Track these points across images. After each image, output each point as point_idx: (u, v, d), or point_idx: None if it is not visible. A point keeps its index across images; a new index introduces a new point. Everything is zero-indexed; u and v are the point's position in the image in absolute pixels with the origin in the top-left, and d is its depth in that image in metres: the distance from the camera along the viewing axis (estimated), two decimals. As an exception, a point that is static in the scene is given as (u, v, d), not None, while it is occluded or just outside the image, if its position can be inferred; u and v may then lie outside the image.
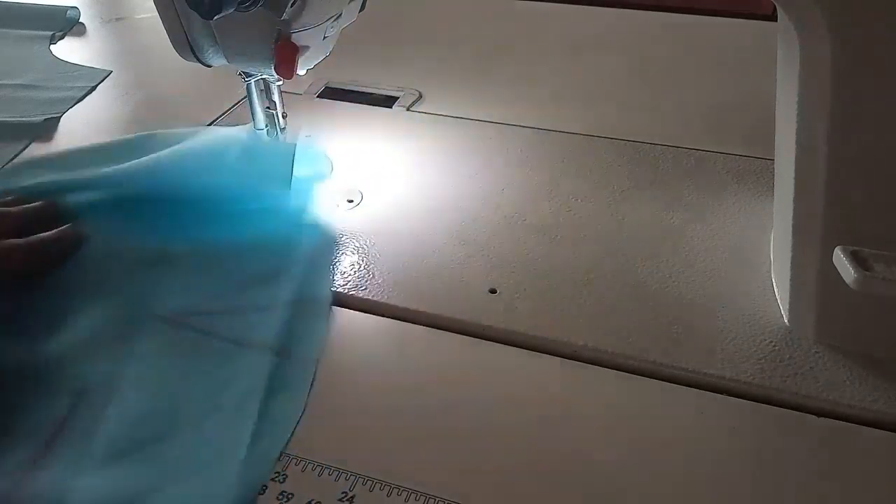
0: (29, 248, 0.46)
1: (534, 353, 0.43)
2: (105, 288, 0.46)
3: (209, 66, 0.52)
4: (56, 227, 0.48)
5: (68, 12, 0.85)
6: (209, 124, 0.65)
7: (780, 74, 0.43)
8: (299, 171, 0.52)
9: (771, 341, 0.43)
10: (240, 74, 0.54)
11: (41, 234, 0.47)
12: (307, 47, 0.49)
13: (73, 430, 0.38)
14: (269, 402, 0.40)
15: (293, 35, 0.47)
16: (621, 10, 0.88)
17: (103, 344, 0.43)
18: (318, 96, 0.70)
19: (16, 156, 0.61)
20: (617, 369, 0.42)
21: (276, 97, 0.55)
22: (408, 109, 0.68)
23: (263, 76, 0.54)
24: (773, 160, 0.47)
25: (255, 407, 0.39)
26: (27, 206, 0.49)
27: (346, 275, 0.48)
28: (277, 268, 0.47)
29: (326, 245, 0.51)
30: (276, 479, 0.35)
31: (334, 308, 0.46)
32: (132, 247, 0.49)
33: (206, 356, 0.43)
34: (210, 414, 0.39)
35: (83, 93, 0.70)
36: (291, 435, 0.38)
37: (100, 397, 0.40)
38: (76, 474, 0.36)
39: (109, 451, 0.37)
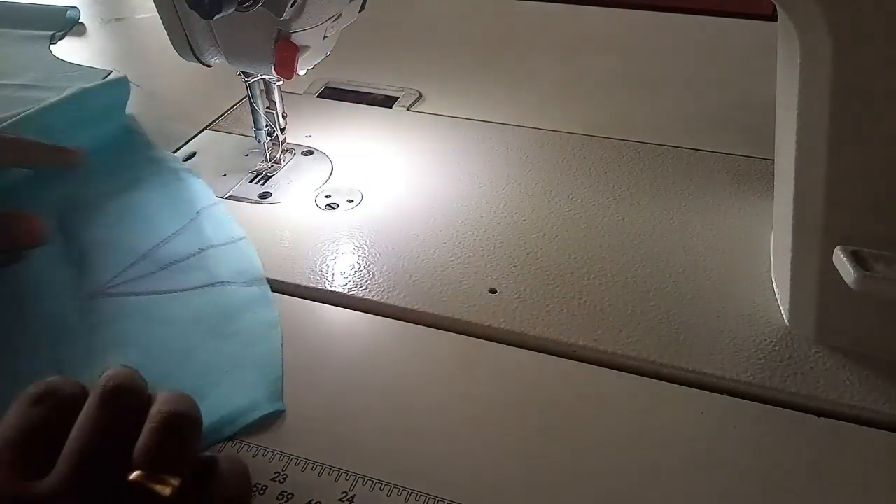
0: None
1: (534, 352, 0.43)
2: (24, 287, 0.47)
3: (209, 66, 0.52)
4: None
5: (68, 12, 0.85)
6: (209, 124, 0.65)
7: (780, 74, 0.43)
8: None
9: (771, 341, 0.43)
10: (240, 74, 0.54)
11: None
12: (307, 47, 0.49)
13: None
14: (244, 318, 0.44)
15: (293, 35, 0.47)
16: (620, 9, 0.88)
17: (52, 334, 0.43)
18: (318, 96, 0.70)
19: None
20: (617, 369, 0.42)
21: (276, 97, 0.55)
22: (408, 109, 0.67)
23: (263, 76, 0.54)
24: (773, 160, 0.47)
25: (239, 325, 0.43)
26: None
27: (346, 275, 0.48)
28: (168, 227, 0.51)
29: (202, 191, 0.55)
30: (276, 479, 0.35)
31: (335, 308, 0.46)
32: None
33: (161, 309, 0.45)
34: (198, 346, 0.42)
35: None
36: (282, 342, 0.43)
37: (82, 364, 0.41)
38: None
39: None
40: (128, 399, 0.31)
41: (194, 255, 0.48)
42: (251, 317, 0.44)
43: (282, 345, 0.43)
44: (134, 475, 0.28)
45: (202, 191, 0.55)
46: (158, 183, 0.56)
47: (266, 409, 0.38)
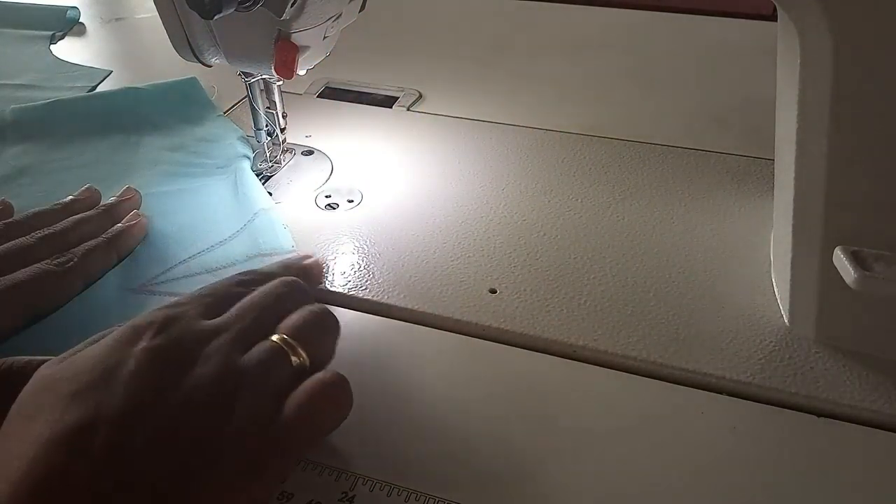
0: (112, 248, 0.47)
1: (534, 353, 0.43)
2: None
3: (209, 66, 0.52)
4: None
5: (68, 12, 0.85)
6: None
7: (780, 74, 0.43)
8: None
9: (771, 341, 0.43)
10: (240, 74, 0.54)
11: (117, 229, 0.48)
12: (307, 47, 0.49)
13: None
14: None
15: (293, 35, 0.47)
16: (621, 10, 0.88)
17: (88, 320, 0.43)
18: (318, 96, 0.70)
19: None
20: (617, 369, 0.42)
21: (276, 97, 0.55)
22: (408, 109, 0.68)
23: (263, 76, 0.54)
24: (773, 160, 0.47)
25: None
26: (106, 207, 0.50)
27: (346, 275, 0.48)
28: (225, 227, 0.51)
29: (259, 193, 0.54)
30: (276, 479, 0.35)
31: (335, 308, 0.46)
32: None
33: None
34: None
35: (83, 93, 0.70)
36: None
37: None
38: None
39: None
40: (300, 290, 0.39)
41: (241, 263, 0.47)
42: None
43: None
44: (276, 336, 0.35)
45: (260, 189, 0.54)
46: (231, 176, 0.56)
47: None
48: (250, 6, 0.43)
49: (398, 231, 0.52)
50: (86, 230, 0.47)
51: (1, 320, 0.41)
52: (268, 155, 0.58)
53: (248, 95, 0.55)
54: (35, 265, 0.43)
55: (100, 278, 0.45)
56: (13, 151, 0.59)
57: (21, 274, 0.42)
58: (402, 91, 0.70)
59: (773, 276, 0.47)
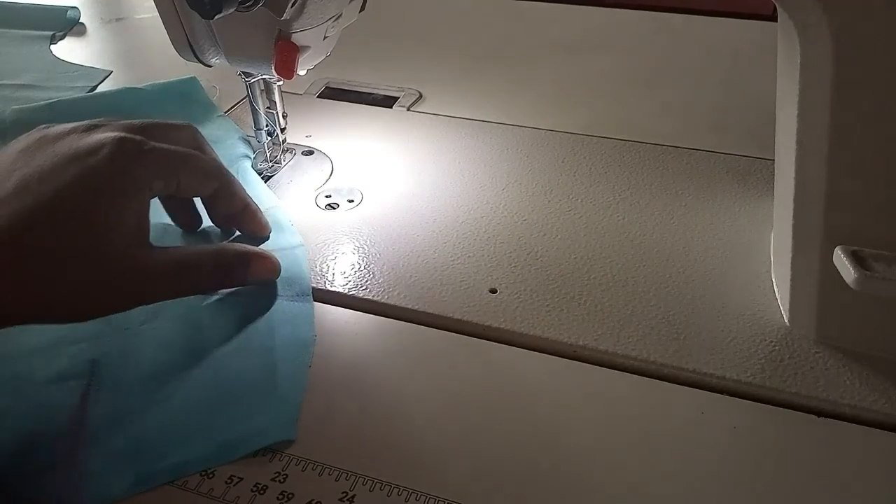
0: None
1: (534, 353, 0.43)
2: None
3: (209, 66, 0.52)
4: None
5: (68, 12, 0.85)
6: (209, 124, 0.65)
7: (780, 74, 0.43)
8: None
9: (771, 341, 0.43)
10: (240, 74, 0.54)
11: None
12: (307, 47, 0.49)
13: (99, 393, 0.40)
14: (282, 334, 0.43)
15: (293, 35, 0.47)
16: (620, 10, 0.88)
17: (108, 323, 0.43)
18: (318, 96, 0.70)
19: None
20: (617, 369, 0.42)
21: (276, 97, 0.55)
22: (408, 109, 0.68)
23: (263, 76, 0.54)
24: (773, 160, 0.47)
25: (275, 341, 0.42)
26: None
27: (346, 275, 0.48)
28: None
29: (265, 192, 0.54)
30: (277, 479, 0.35)
31: (335, 308, 0.46)
32: None
33: (205, 311, 0.45)
34: (230, 356, 0.42)
35: (83, 93, 0.70)
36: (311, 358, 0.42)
37: (116, 361, 0.41)
38: (119, 431, 0.38)
39: (146, 400, 0.39)
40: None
41: None
42: (289, 333, 0.43)
43: (310, 365, 0.41)
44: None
45: (263, 188, 0.54)
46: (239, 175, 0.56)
47: (276, 436, 0.37)
48: (250, 6, 0.43)
49: (398, 231, 0.52)
50: None
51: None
52: (268, 155, 0.58)
53: (248, 95, 0.55)
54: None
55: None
56: None
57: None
58: (402, 91, 0.70)
59: (773, 276, 0.47)
